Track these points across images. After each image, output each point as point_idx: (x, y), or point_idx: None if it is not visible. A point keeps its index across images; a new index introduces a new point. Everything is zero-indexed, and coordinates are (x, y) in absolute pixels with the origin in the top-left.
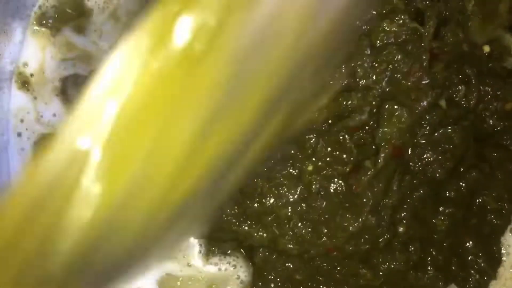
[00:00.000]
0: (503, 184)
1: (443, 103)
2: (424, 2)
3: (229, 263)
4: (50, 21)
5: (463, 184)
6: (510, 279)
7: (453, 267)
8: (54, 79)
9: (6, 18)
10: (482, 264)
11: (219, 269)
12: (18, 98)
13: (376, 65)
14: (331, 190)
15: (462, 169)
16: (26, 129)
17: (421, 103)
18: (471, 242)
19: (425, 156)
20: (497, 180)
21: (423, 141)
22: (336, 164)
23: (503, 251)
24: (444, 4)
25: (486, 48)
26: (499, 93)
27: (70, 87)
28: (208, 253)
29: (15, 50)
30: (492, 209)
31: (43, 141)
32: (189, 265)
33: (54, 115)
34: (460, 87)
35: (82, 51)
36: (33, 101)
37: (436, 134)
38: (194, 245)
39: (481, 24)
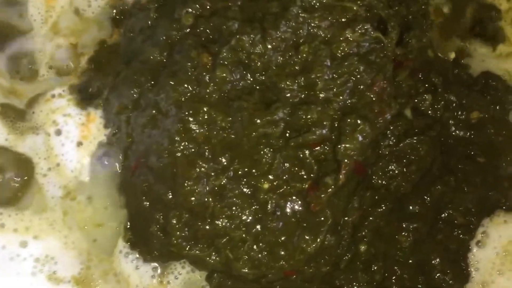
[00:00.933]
0: (470, 197)
1: (408, 112)
2: (386, 10)
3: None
4: None
5: (428, 198)
6: None
7: (419, 286)
8: None
9: None
10: (450, 282)
11: None
12: None
13: (337, 76)
14: (288, 210)
15: (427, 183)
16: None
17: (385, 116)
18: (438, 259)
19: (389, 169)
20: (463, 194)
21: (386, 153)
22: (293, 181)
23: (470, 268)
24: (406, 8)
25: (452, 55)
26: (464, 101)
27: None
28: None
29: None
30: (459, 224)
31: None
32: None
33: None
34: (426, 96)
35: None
36: None
37: (401, 145)
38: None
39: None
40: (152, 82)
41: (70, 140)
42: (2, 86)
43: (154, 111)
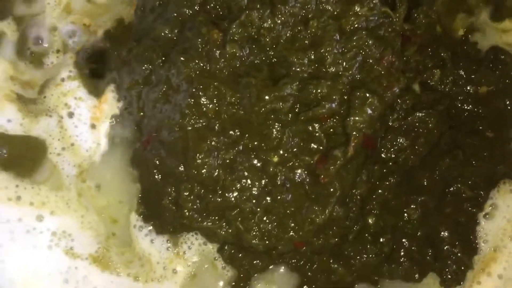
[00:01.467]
0: (478, 171)
1: (416, 87)
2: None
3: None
4: None
5: (437, 172)
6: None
7: (428, 258)
8: None
9: None
10: (458, 254)
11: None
12: None
13: (346, 51)
14: (297, 182)
15: (435, 156)
16: None
17: (393, 90)
18: (446, 232)
19: (397, 142)
20: (471, 167)
21: (395, 126)
22: (303, 154)
23: (478, 240)
24: None
25: (460, 31)
26: (473, 76)
27: None
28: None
29: None
30: (468, 197)
31: None
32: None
33: None
34: (435, 70)
35: None
36: None
37: (409, 118)
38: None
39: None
40: (163, 59)
41: (83, 122)
42: (15, 77)
43: (165, 87)
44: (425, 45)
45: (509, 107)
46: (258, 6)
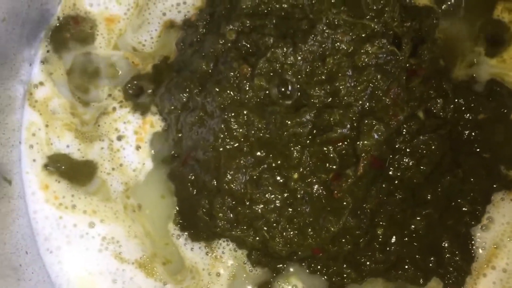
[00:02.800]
0: (476, 188)
1: (421, 114)
2: (400, 28)
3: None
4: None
5: (439, 188)
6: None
7: (431, 265)
8: None
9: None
10: (458, 262)
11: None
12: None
13: (357, 84)
14: (315, 196)
15: (437, 175)
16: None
17: (398, 118)
18: (447, 242)
19: (403, 161)
20: (470, 184)
21: (403, 147)
22: (319, 172)
23: (476, 247)
24: (419, 23)
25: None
26: (472, 105)
27: None
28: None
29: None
30: (467, 211)
31: None
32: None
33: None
34: (438, 100)
35: None
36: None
37: (414, 141)
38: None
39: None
40: (200, 88)
41: (130, 145)
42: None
43: (201, 113)
44: (429, 77)
45: (502, 132)
46: (282, 44)
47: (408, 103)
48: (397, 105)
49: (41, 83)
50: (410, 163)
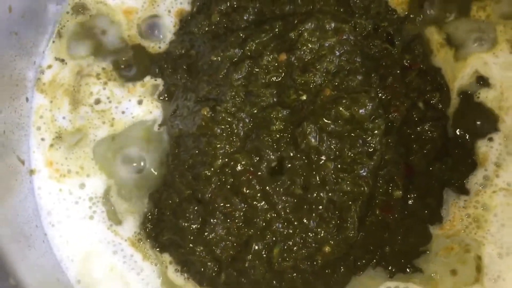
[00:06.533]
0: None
1: (421, 105)
2: (393, 26)
3: None
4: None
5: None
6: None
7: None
8: None
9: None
10: None
11: None
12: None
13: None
14: None
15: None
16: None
17: (400, 109)
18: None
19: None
20: (457, 172)
21: (408, 132)
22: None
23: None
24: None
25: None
26: None
27: None
28: None
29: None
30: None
31: None
32: None
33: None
34: (434, 94)
35: None
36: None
37: (418, 128)
38: None
39: None
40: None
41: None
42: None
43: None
44: (425, 71)
45: None
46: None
47: (408, 95)
48: (397, 98)
49: (49, 66)
50: (415, 147)
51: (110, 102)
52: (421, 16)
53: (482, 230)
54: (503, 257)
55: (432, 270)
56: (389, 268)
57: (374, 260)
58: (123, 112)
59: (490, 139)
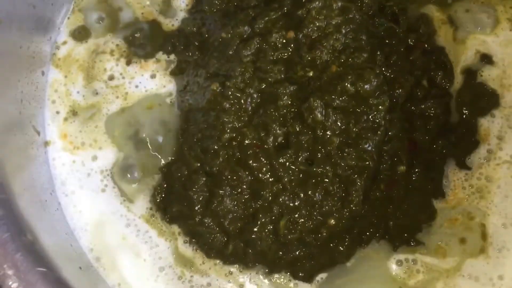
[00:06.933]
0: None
1: (425, 82)
2: (398, 6)
3: None
4: None
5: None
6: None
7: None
8: None
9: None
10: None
11: None
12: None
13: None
14: None
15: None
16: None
17: (405, 85)
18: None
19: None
20: (460, 148)
21: (412, 109)
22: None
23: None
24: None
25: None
26: None
27: None
28: None
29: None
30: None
31: None
32: None
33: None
34: (439, 72)
35: None
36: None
37: (422, 106)
38: None
39: None
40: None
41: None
42: None
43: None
44: (429, 50)
45: None
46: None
47: (412, 73)
48: (401, 75)
49: (65, 42)
50: (419, 123)
51: (123, 78)
52: None
53: (485, 200)
54: (508, 227)
55: (438, 240)
56: (393, 242)
57: (378, 234)
58: (136, 86)
59: (492, 115)
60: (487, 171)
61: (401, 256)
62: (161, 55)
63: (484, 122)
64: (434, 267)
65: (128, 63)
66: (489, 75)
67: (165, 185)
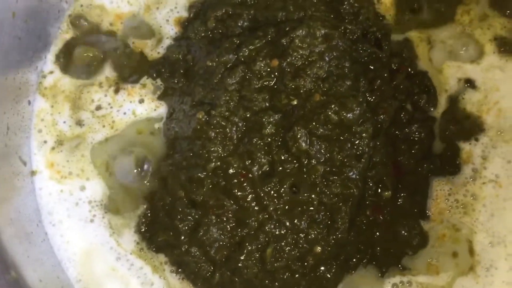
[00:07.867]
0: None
1: (409, 106)
2: (381, 32)
3: None
4: None
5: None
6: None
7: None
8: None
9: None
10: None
11: None
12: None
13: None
14: None
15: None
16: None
17: (388, 110)
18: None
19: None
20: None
21: (396, 133)
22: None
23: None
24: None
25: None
26: None
27: None
28: None
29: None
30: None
31: None
32: None
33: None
34: (422, 95)
35: None
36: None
37: (406, 130)
38: None
39: None
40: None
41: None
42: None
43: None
44: (413, 74)
45: None
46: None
47: (396, 97)
48: (385, 100)
49: (51, 72)
50: (403, 148)
51: (111, 107)
52: (408, 21)
53: (469, 217)
54: (495, 246)
55: (428, 257)
56: (381, 267)
57: (365, 260)
58: (124, 113)
59: (476, 139)
60: (473, 189)
61: (396, 279)
62: (146, 81)
63: (466, 146)
64: (430, 286)
65: (117, 91)
66: (470, 99)
67: (149, 214)
